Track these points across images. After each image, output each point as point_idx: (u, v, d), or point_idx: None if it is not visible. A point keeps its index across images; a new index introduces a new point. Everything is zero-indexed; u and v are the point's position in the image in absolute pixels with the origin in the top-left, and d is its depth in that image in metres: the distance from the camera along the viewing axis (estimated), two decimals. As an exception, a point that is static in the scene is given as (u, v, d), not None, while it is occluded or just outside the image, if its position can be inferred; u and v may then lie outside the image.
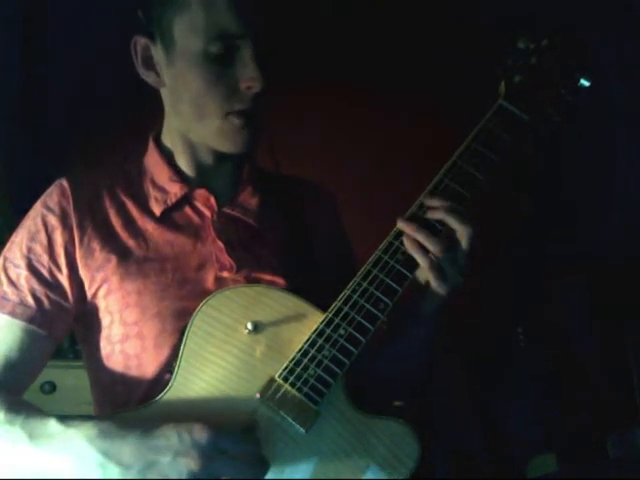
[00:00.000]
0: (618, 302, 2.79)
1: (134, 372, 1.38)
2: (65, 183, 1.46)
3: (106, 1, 2.65)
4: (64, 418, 1.23)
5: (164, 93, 1.46)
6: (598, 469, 2.55)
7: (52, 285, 1.40)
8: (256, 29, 1.33)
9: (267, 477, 1.17)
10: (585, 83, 1.39)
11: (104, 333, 1.41)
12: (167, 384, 1.26)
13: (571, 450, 2.69)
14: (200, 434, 1.14)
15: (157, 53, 1.41)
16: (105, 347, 1.41)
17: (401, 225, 1.33)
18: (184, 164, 1.49)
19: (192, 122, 1.42)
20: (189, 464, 1.12)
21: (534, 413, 2.85)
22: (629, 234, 2.87)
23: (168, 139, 1.51)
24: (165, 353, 1.35)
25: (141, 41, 1.42)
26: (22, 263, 1.40)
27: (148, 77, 1.44)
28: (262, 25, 1.34)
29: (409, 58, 3.04)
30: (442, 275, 1.31)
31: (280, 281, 1.41)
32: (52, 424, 1.22)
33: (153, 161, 1.51)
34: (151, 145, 1.52)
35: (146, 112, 1.53)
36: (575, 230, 2.96)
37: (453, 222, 1.30)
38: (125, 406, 1.36)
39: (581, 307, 2.90)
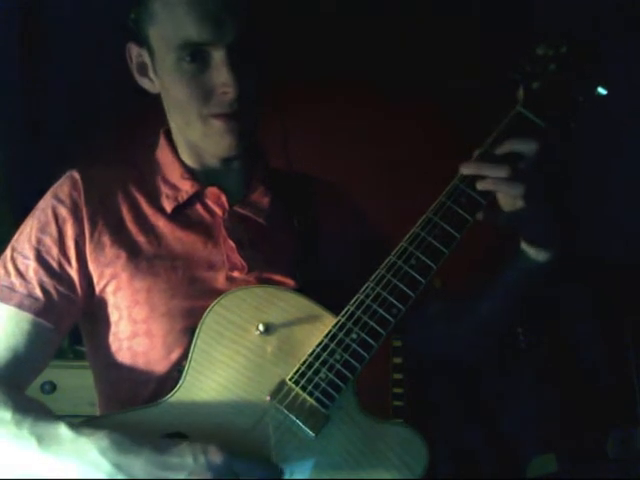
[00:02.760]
0: (618, 302, 2.80)
1: (142, 370, 1.36)
2: (76, 175, 1.43)
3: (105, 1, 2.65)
4: (74, 424, 1.21)
5: (162, 97, 1.46)
6: (598, 469, 2.56)
7: (61, 278, 1.37)
8: (226, 35, 1.31)
9: None
10: (602, 91, 1.37)
11: (112, 329, 1.39)
12: (175, 383, 1.24)
13: (571, 450, 2.70)
14: (215, 456, 1.12)
15: (147, 59, 1.41)
16: (113, 343, 1.39)
17: (464, 169, 1.31)
18: (192, 164, 1.48)
19: (183, 128, 1.43)
20: None
21: (534, 413, 2.85)
22: (628, 234, 2.88)
23: (175, 138, 1.51)
24: (173, 352, 1.33)
25: (134, 48, 1.43)
26: (31, 254, 1.37)
27: (143, 83, 1.45)
28: (233, 31, 1.31)
29: (420, 59, 3.04)
30: (520, 185, 1.27)
31: (290, 282, 1.40)
32: (62, 430, 1.19)
33: (165, 157, 1.49)
34: (162, 141, 1.51)
35: (145, 112, 1.53)
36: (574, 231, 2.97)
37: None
38: (131, 403, 1.34)
39: (581, 307, 2.90)
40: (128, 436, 1.17)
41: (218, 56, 1.32)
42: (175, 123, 1.46)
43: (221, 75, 1.32)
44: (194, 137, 1.41)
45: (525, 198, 1.28)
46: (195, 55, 1.32)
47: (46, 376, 2.63)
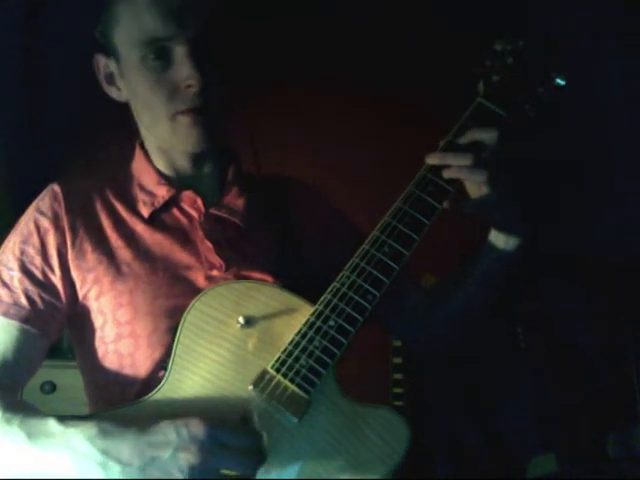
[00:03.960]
0: (617, 301, 2.79)
1: (128, 371, 1.39)
2: (57, 187, 1.49)
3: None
4: (63, 418, 1.24)
5: (130, 103, 1.50)
6: (598, 469, 2.55)
7: (45, 286, 1.42)
8: (187, 30, 1.36)
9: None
10: (560, 82, 1.44)
11: (97, 334, 1.42)
12: (161, 380, 1.27)
13: (571, 450, 2.69)
14: (197, 428, 1.15)
15: (114, 68, 1.46)
16: (99, 348, 1.42)
17: (429, 160, 1.37)
18: (166, 171, 1.52)
19: (151, 128, 1.46)
20: (188, 458, 1.13)
21: (534, 413, 2.85)
22: (627, 233, 2.87)
23: (148, 147, 1.55)
24: (158, 351, 1.36)
25: (100, 59, 1.47)
26: (15, 265, 1.42)
27: (111, 92, 1.49)
28: (194, 25, 1.36)
29: (394, 56, 3.05)
30: (483, 171, 1.33)
31: (269, 279, 1.43)
32: (51, 423, 1.23)
33: (140, 166, 1.54)
34: (137, 151, 1.55)
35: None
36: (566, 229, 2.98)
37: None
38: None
39: (581, 307, 2.90)
40: (115, 423, 1.20)
41: (180, 51, 1.36)
42: (144, 126, 1.50)
43: (184, 69, 1.36)
44: (163, 136, 1.45)
45: (489, 184, 1.33)
46: (159, 52, 1.37)
47: (46, 376, 2.66)
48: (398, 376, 2.88)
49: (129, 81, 1.43)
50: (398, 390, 2.87)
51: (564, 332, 2.89)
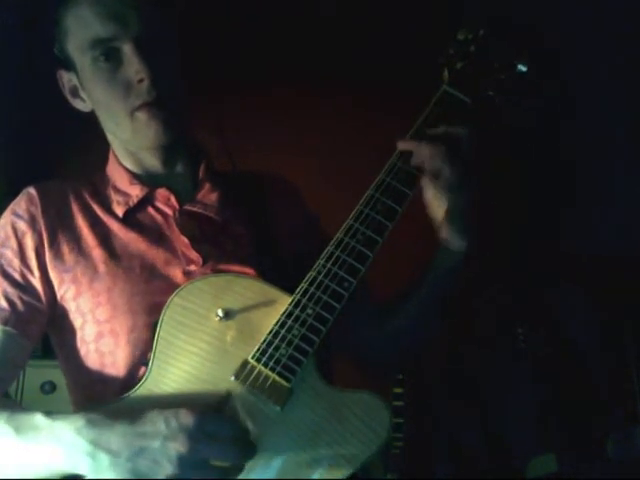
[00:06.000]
0: (617, 302, 2.79)
1: (109, 369, 1.39)
2: (33, 191, 1.50)
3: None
4: (49, 413, 1.24)
5: (95, 112, 1.52)
6: (598, 469, 2.55)
7: (24, 287, 1.42)
8: (131, 29, 1.39)
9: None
10: (522, 68, 1.47)
11: (78, 334, 1.42)
12: (143, 377, 1.27)
13: (571, 450, 2.69)
14: (186, 418, 1.15)
15: (75, 80, 1.48)
16: (81, 348, 1.42)
17: (400, 145, 1.40)
18: (138, 172, 1.54)
19: (115, 131, 1.49)
20: (178, 448, 1.13)
21: (534, 413, 2.85)
22: (628, 234, 2.87)
23: (117, 151, 1.57)
24: (138, 348, 1.37)
25: (63, 74, 1.50)
26: None
27: (77, 104, 1.52)
28: (138, 24, 1.39)
29: (387, 55, 3.06)
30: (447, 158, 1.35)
31: (250, 271, 1.43)
32: (38, 418, 1.23)
33: (113, 169, 1.55)
34: (111, 155, 1.57)
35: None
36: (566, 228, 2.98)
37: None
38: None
39: (581, 307, 2.90)
40: (102, 414, 1.20)
41: (127, 49, 1.39)
42: (109, 131, 1.52)
43: (133, 65, 1.39)
44: (126, 136, 1.47)
45: (449, 165, 1.35)
46: (108, 53, 1.40)
47: (46, 376, 2.65)
48: (398, 376, 2.88)
49: (88, 88, 1.46)
50: (398, 390, 2.86)
51: (564, 332, 2.89)
